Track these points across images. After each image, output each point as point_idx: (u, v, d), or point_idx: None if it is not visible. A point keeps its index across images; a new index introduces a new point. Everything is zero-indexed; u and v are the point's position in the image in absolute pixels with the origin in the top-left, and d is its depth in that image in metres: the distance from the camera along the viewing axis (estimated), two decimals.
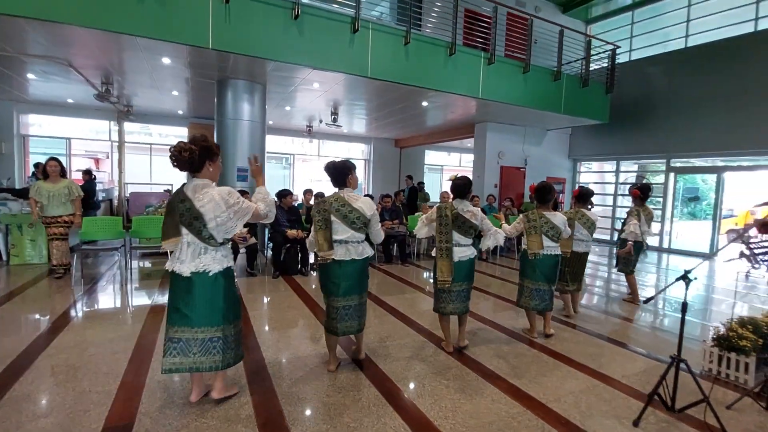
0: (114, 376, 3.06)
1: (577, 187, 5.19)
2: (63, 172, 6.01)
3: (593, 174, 13.80)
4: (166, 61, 6.97)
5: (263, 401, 2.82)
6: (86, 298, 5.14)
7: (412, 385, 3.15)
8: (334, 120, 11.24)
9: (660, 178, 11.55)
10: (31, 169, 10.24)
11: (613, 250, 10.70)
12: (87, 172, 9.05)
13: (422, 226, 3.80)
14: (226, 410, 2.68)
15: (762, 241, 8.72)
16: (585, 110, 10.18)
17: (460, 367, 3.50)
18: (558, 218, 4.05)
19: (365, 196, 4.07)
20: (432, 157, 17.70)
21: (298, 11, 6.35)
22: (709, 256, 10.13)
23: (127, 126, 11.81)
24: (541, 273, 4.04)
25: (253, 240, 6.54)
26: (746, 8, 9.76)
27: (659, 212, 11.00)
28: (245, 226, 3.05)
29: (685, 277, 2.74)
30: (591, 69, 10.07)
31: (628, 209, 5.95)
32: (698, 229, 12.86)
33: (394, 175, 16.23)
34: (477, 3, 9.00)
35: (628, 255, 5.60)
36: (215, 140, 8.35)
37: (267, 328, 4.36)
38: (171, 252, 2.65)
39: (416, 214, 9.20)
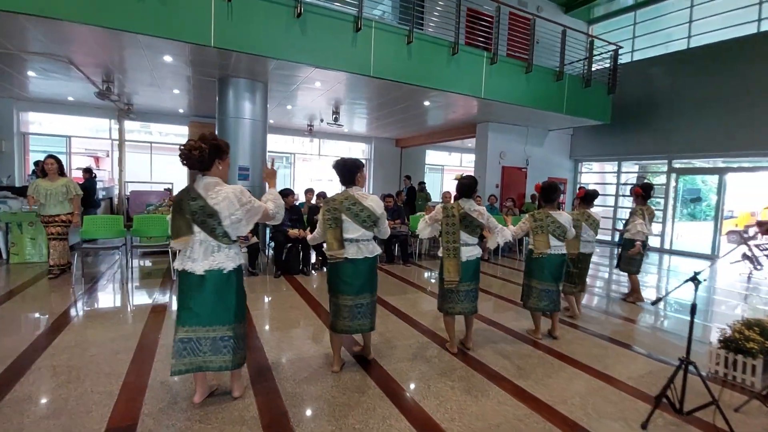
0: (116, 377, 3.03)
1: (581, 189, 5.16)
2: (61, 170, 5.91)
3: (594, 174, 13.79)
4: (167, 59, 6.93)
5: (267, 402, 2.79)
6: (87, 297, 5.10)
7: (417, 387, 3.12)
8: (335, 119, 11.22)
9: (660, 179, 11.54)
10: (31, 167, 10.19)
11: (614, 250, 10.70)
12: (87, 171, 9.00)
13: (425, 227, 3.75)
14: (230, 411, 2.65)
15: (764, 243, 8.70)
16: (587, 111, 10.16)
17: (465, 368, 3.47)
18: (564, 217, 4.02)
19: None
20: (433, 156, 17.67)
21: (300, 9, 6.31)
22: (720, 257, 10.12)
23: (128, 124, 11.78)
24: (549, 273, 4.01)
25: (254, 239, 6.52)
26: (749, 9, 9.74)
27: (660, 212, 10.98)
28: None
29: (694, 279, 2.72)
30: (593, 69, 10.05)
31: (630, 209, 5.93)
32: (698, 230, 12.85)
33: (395, 175, 16.20)
34: (479, 2, 8.98)
35: (636, 255, 5.59)
36: None
37: (270, 328, 4.33)
38: (179, 251, 2.61)
39: (418, 214, 9.16)
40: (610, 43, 10.33)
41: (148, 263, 7.21)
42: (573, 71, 9.97)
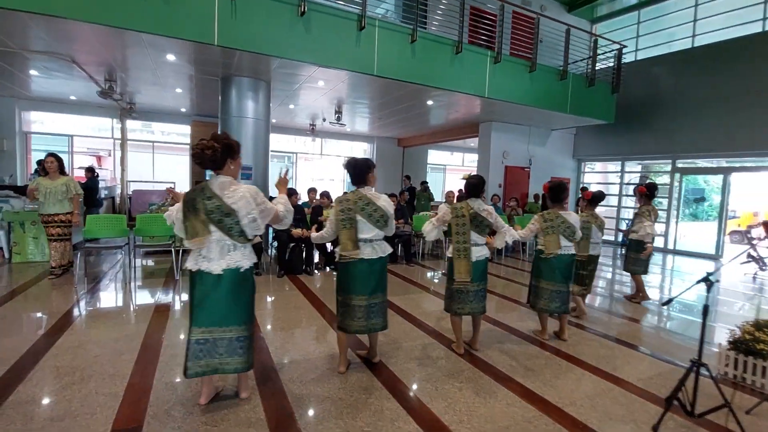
0: (120, 378, 2.99)
1: (585, 191, 5.12)
2: (62, 169, 5.82)
3: (597, 174, 13.74)
4: (170, 57, 6.90)
5: (274, 404, 2.76)
6: (89, 297, 5.07)
7: (424, 388, 3.08)
8: (338, 119, 11.18)
9: (663, 179, 11.49)
10: (34, 166, 10.17)
11: (618, 250, 10.66)
12: (90, 170, 8.99)
13: (432, 229, 3.70)
14: (237, 413, 2.62)
15: None
16: (591, 110, 10.11)
17: (472, 370, 3.43)
18: (573, 217, 3.99)
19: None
20: (435, 156, 17.62)
21: (304, 8, 6.28)
22: (725, 257, 10.08)
23: (130, 124, 11.77)
24: (560, 273, 3.97)
25: (257, 239, 6.47)
26: (754, 8, 9.68)
27: (663, 212, 10.93)
28: None
29: (707, 280, 2.68)
30: (596, 69, 10.00)
31: (636, 209, 5.90)
32: (701, 230, 12.80)
33: (397, 175, 16.16)
34: (482, 0, 8.93)
35: (646, 257, 5.58)
36: None
37: (274, 328, 4.29)
38: (190, 251, 2.59)
39: (421, 213, 9.12)
40: (614, 42, 10.27)
41: (150, 263, 7.18)
42: (576, 70, 9.93)
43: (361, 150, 16.59)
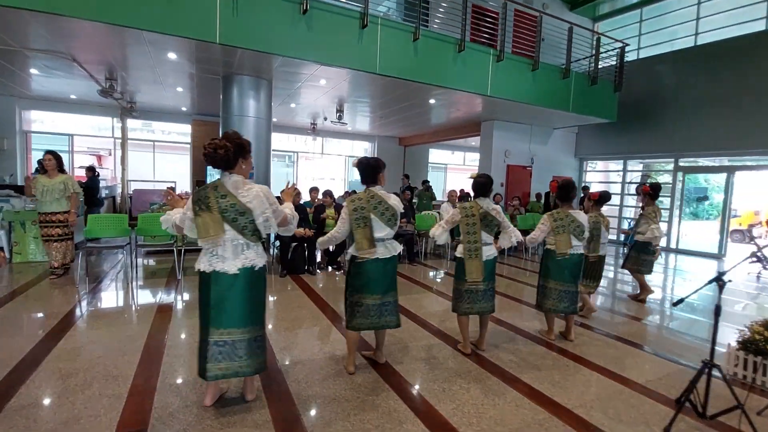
0: (124, 379, 2.95)
1: (588, 190, 5.10)
2: (60, 167, 5.68)
3: (599, 173, 13.71)
4: (171, 56, 6.86)
5: (280, 406, 2.72)
6: (91, 297, 5.03)
7: (432, 389, 3.04)
8: (339, 117, 11.14)
9: (663, 178, 11.45)
10: (34, 165, 10.13)
11: (620, 250, 10.62)
12: (90, 169, 8.94)
13: (442, 232, 3.66)
14: (243, 415, 2.58)
15: None
16: (593, 109, 10.07)
17: (479, 370, 3.40)
18: (582, 216, 3.95)
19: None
20: (436, 155, 17.58)
21: (306, 6, 6.24)
22: (726, 256, 10.04)
23: (130, 123, 11.73)
24: (569, 273, 3.94)
25: None
26: (757, 6, 9.64)
27: (665, 212, 10.89)
28: None
29: (719, 279, 2.64)
30: (599, 67, 9.96)
31: (639, 208, 5.88)
32: (702, 229, 12.78)
33: (398, 174, 16.10)
34: None
35: (654, 258, 5.59)
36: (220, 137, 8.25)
37: (278, 328, 4.25)
38: (192, 251, 2.57)
39: (423, 213, 9.08)
40: (616, 41, 10.23)
41: (151, 262, 7.14)
42: (579, 69, 9.88)
43: (362, 149, 16.56)
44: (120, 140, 11.46)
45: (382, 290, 3.15)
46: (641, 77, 11.20)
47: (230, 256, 2.50)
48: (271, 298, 5.35)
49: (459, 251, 3.61)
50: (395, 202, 3.16)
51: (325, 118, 12.18)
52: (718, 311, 2.67)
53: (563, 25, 9.34)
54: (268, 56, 6.55)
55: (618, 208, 12.45)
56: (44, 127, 11.87)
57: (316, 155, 15.87)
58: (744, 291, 6.99)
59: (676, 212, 11.11)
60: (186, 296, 5.22)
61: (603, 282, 7.25)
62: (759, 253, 8.41)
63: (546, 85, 9.14)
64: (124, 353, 3.41)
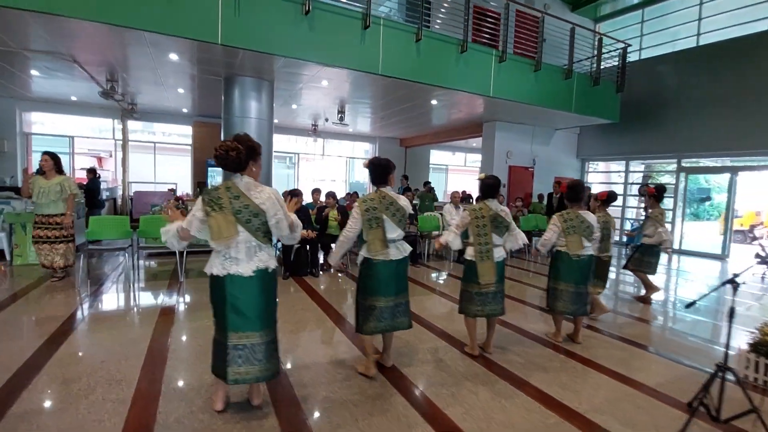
0: (128, 384, 2.91)
1: (591, 191, 5.07)
2: (58, 168, 5.50)
3: (600, 174, 13.67)
4: (173, 57, 6.83)
5: (286, 410, 2.68)
6: (93, 300, 4.98)
7: (440, 393, 2.99)
8: (341, 119, 11.11)
9: (665, 179, 11.41)
10: (35, 167, 10.09)
11: (622, 250, 10.57)
12: (91, 171, 8.91)
13: (455, 237, 3.61)
14: (249, 420, 2.53)
15: None
16: (596, 109, 10.05)
17: (487, 374, 3.35)
18: (591, 217, 3.91)
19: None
20: (437, 156, 17.55)
21: (309, 6, 6.21)
22: (760, 260, 9.98)
23: (131, 124, 11.69)
24: (581, 274, 3.89)
25: None
26: (760, 6, 9.61)
27: (668, 212, 10.85)
28: None
29: (733, 281, 2.60)
30: (601, 68, 9.93)
31: (642, 209, 5.85)
32: (704, 229, 12.73)
33: (399, 175, 16.10)
34: None
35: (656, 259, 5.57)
36: (222, 139, 8.22)
37: (282, 331, 4.15)
38: (201, 253, 2.52)
39: (426, 214, 9.04)
40: (618, 41, 10.20)
41: (153, 264, 7.09)
42: (581, 69, 9.86)
43: (363, 150, 16.53)
44: (121, 142, 11.42)
45: (394, 292, 3.12)
46: (643, 78, 11.17)
47: (244, 258, 2.47)
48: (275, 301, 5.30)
49: (469, 254, 3.56)
50: (405, 203, 3.15)
51: (326, 119, 12.14)
52: (732, 313, 2.62)
53: (564, 26, 9.31)
54: (269, 57, 6.52)
55: (621, 209, 12.40)
56: (45, 128, 11.83)
57: (317, 156, 15.83)
58: (749, 292, 6.94)
59: (679, 213, 11.06)
60: (188, 298, 5.17)
61: (607, 283, 7.23)
62: (763, 253, 8.36)
63: (548, 85, 9.10)
64: (127, 357, 3.36)
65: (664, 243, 5.47)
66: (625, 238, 11.17)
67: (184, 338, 3.90)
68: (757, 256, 8.42)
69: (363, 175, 17.17)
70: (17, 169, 10.70)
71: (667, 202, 11.00)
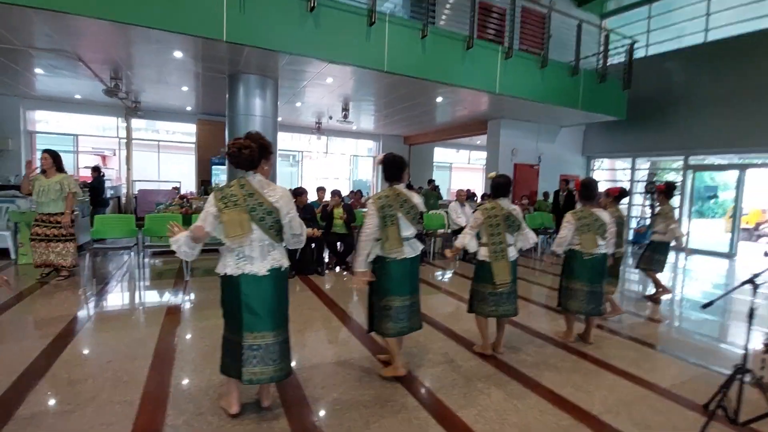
0: (135, 385, 2.87)
1: (613, 187, 4.99)
2: (58, 166, 5.40)
3: (606, 171, 13.58)
4: (177, 54, 6.79)
5: (296, 412, 2.64)
6: (99, 299, 4.95)
7: (451, 394, 2.94)
8: (345, 116, 11.06)
9: (671, 176, 11.31)
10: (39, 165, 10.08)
11: (629, 249, 10.49)
12: (96, 169, 8.90)
13: (471, 238, 3.54)
14: (259, 423, 2.49)
15: None
16: (602, 106, 9.96)
17: (499, 374, 3.30)
18: (605, 215, 3.85)
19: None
20: (440, 154, 17.48)
21: (313, 3, 6.15)
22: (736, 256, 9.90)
23: (135, 123, 11.65)
24: (597, 273, 3.83)
25: None
26: None
27: (675, 210, 10.76)
28: None
29: (752, 281, 2.55)
30: (607, 64, 9.84)
31: (650, 208, 5.79)
32: (710, 227, 12.63)
33: None
34: None
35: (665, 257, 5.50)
36: (227, 137, 8.19)
37: (290, 330, 4.16)
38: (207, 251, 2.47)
39: (430, 212, 8.98)
40: (625, 37, 10.10)
41: (158, 263, 7.07)
42: (587, 66, 9.76)
43: (366, 148, 16.48)
44: (125, 140, 11.40)
45: (408, 291, 3.09)
46: (650, 74, 11.05)
47: (258, 256, 2.43)
48: None
49: (482, 254, 3.50)
50: (419, 201, 3.11)
51: (330, 117, 12.09)
52: (751, 314, 2.57)
53: (570, 22, 9.23)
54: (274, 54, 6.47)
55: (627, 207, 12.31)
56: (49, 127, 11.83)
57: (320, 154, 15.78)
58: (759, 291, 6.84)
59: (686, 211, 10.96)
60: (194, 297, 5.14)
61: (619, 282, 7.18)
62: None
63: (555, 82, 9.02)
64: (134, 358, 3.33)
65: (679, 238, 5.41)
66: (632, 236, 11.08)
67: (190, 338, 3.87)
68: (766, 254, 8.36)
69: (366, 173, 17.13)
70: (22, 168, 10.68)
71: (674, 200, 10.91)
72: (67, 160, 5.66)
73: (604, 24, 12.65)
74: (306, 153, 15.68)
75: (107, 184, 10.14)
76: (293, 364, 3.30)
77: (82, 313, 4.39)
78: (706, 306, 2.78)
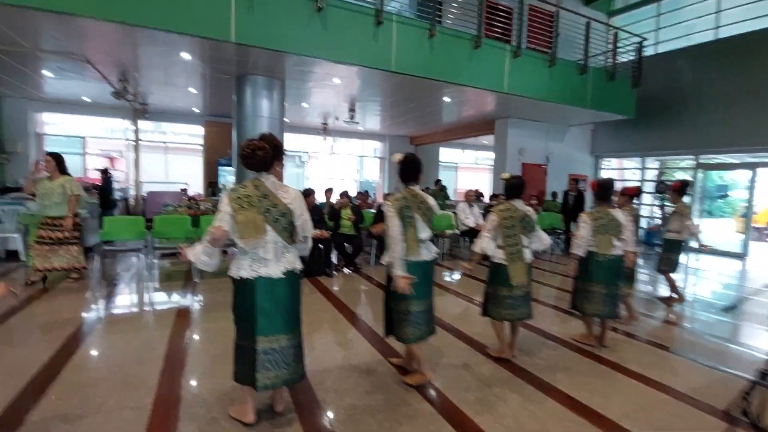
0: (147, 389, 2.84)
1: (630, 186, 4.92)
2: (62, 169, 5.30)
3: (614, 171, 13.46)
4: (185, 56, 6.78)
5: (310, 418, 2.60)
6: (109, 301, 4.94)
7: (467, 399, 2.89)
8: (352, 117, 11.02)
9: (680, 175, 11.17)
10: None
11: (638, 249, 10.36)
12: (104, 171, 8.93)
13: (489, 241, 3.43)
14: (272, 427, 2.46)
15: None
16: (611, 105, 9.86)
17: (513, 378, 3.25)
18: (620, 215, 3.78)
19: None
20: (446, 154, 17.38)
21: (321, 3, 6.12)
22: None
23: (142, 125, 11.68)
24: (614, 275, 3.76)
25: None
26: None
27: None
28: None
29: None
30: (616, 63, 9.74)
31: (661, 208, 5.70)
32: (720, 227, 12.47)
33: None
34: None
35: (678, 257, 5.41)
36: (234, 138, 8.17)
37: None
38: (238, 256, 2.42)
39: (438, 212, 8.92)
40: (634, 35, 10.00)
41: (167, 265, 7.06)
42: (596, 65, 9.67)
43: (372, 149, 16.44)
44: (132, 142, 11.43)
45: (426, 295, 3.04)
46: (659, 72, 10.93)
47: (273, 258, 2.39)
48: None
49: (498, 256, 3.44)
50: (434, 203, 3.07)
51: (337, 118, 12.06)
52: None
53: (577, 20, 9.13)
54: (282, 55, 6.45)
55: (637, 206, 12.15)
56: (57, 129, 11.87)
57: (326, 155, 15.76)
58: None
59: (697, 210, 10.82)
60: (204, 299, 5.12)
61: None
62: None
63: (563, 81, 8.94)
64: (145, 361, 3.30)
65: (695, 235, 5.31)
66: (643, 235, 10.94)
67: (201, 341, 3.85)
68: None
69: (373, 174, 17.08)
70: (31, 170, 10.75)
71: (684, 199, 10.77)
72: (75, 163, 5.66)
73: (612, 22, 12.55)
74: (312, 154, 15.66)
75: (115, 185, 10.17)
76: (308, 368, 3.28)
77: (91, 316, 4.39)
78: (728, 309, 2.72)
